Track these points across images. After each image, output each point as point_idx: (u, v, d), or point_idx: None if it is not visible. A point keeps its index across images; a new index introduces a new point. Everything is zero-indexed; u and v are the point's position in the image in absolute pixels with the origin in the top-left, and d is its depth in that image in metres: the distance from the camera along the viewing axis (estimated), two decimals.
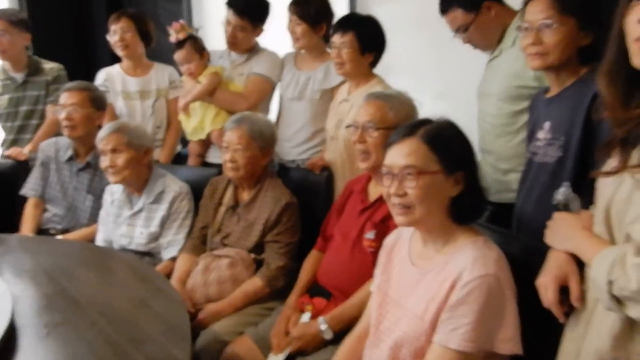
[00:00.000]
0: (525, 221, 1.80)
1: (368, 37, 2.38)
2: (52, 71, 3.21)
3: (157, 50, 3.21)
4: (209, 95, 2.75)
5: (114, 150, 2.30)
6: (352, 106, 2.42)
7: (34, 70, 3.18)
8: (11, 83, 3.17)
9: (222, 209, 2.35)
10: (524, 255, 1.49)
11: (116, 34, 2.97)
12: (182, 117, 2.87)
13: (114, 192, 2.48)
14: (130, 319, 1.51)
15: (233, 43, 2.83)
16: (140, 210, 2.40)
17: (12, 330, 1.40)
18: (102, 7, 4.34)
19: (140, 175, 2.39)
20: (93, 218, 2.66)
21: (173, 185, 2.40)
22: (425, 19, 2.85)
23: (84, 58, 4.14)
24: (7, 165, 2.95)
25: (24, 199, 2.79)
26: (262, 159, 2.28)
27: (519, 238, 1.59)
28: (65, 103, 2.62)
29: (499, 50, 2.18)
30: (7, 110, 3.17)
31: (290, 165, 2.80)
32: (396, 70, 2.74)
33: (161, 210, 2.37)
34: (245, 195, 2.32)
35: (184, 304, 1.65)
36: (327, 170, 2.48)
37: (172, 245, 2.35)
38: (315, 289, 2.04)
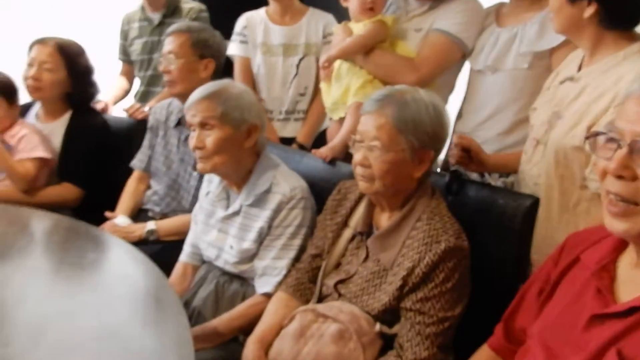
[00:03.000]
0: None
1: None
2: (191, 12, 2.61)
3: None
4: (363, 52, 1.87)
5: (202, 125, 1.57)
6: (583, 92, 1.36)
7: (172, 11, 2.62)
8: (147, 25, 2.66)
9: (347, 234, 1.50)
10: None
11: None
12: (322, 84, 2.03)
13: (212, 180, 1.78)
14: None
15: None
16: (236, 213, 1.66)
17: None
18: None
19: (240, 164, 1.64)
20: (197, 202, 2.02)
21: (283, 184, 1.61)
22: None
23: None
24: (125, 124, 2.45)
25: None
26: (415, 167, 1.36)
27: None
28: (164, 51, 1.99)
29: None
30: (140, 56, 2.68)
31: (469, 176, 1.82)
32: None
33: (261, 218, 1.60)
34: (384, 220, 1.44)
35: None
36: (529, 197, 1.45)
37: (269, 274, 1.58)
38: None
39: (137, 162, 2.23)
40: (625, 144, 0.86)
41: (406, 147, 1.33)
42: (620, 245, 1.02)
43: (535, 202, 1.44)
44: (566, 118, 1.37)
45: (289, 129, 2.34)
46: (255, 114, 1.62)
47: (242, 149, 1.61)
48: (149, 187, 2.22)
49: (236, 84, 1.68)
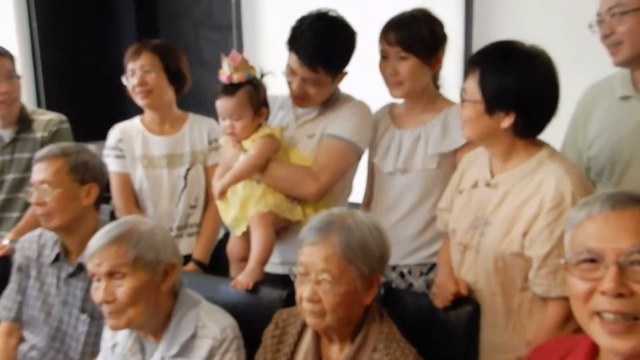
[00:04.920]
0: None
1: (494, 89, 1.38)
2: (50, 124, 2.32)
3: (193, 95, 2.30)
4: (258, 171, 1.78)
5: (111, 274, 1.35)
6: (506, 198, 1.42)
7: (26, 125, 2.31)
8: None
9: None
10: None
11: (135, 75, 2.08)
12: (217, 202, 1.89)
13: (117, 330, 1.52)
14: None
15: (301, 99, 1.85)
16: None
17: None
18: (134, 39, 3.39)
19: (157, 311, 1.42)
20: (90, 350, 1.72)
21: (211, 326, 1.43)
22: None
23: (110, 108, 3.22)
24: None
25: None
26: (366, 293, 1.29)
27: None
28: (34, 180, 1.73)
29: None
30: None
31: (389, 277, 1.80)
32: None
33: None
34: (335, 353, 1.33)
35: None
36: (469, 304, 1.45)
37: None
38: None
39: (3, 311, 1.85)
40: (610, 263, 0.89)
41: (356, 276, 1.26)
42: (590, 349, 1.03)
43: (476, 307, 1.44)
44: (495, 225, 1.40)
45: (183, 246, 2.12)
46: (170, 252, 1.44)
47: (159, 294, 1.41)
48: (22, 340, 1.84)
49: (143, 219, 1.48)
